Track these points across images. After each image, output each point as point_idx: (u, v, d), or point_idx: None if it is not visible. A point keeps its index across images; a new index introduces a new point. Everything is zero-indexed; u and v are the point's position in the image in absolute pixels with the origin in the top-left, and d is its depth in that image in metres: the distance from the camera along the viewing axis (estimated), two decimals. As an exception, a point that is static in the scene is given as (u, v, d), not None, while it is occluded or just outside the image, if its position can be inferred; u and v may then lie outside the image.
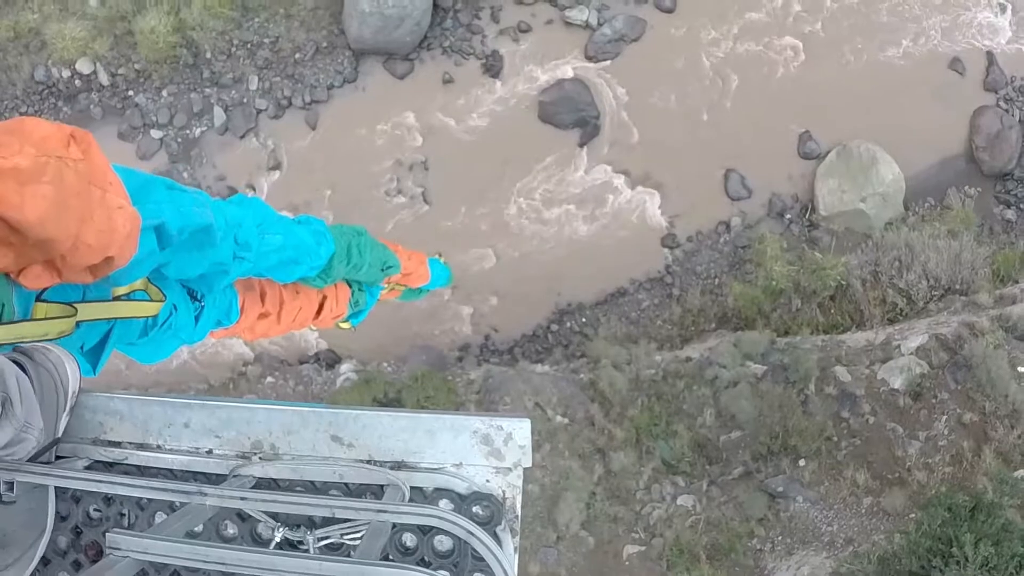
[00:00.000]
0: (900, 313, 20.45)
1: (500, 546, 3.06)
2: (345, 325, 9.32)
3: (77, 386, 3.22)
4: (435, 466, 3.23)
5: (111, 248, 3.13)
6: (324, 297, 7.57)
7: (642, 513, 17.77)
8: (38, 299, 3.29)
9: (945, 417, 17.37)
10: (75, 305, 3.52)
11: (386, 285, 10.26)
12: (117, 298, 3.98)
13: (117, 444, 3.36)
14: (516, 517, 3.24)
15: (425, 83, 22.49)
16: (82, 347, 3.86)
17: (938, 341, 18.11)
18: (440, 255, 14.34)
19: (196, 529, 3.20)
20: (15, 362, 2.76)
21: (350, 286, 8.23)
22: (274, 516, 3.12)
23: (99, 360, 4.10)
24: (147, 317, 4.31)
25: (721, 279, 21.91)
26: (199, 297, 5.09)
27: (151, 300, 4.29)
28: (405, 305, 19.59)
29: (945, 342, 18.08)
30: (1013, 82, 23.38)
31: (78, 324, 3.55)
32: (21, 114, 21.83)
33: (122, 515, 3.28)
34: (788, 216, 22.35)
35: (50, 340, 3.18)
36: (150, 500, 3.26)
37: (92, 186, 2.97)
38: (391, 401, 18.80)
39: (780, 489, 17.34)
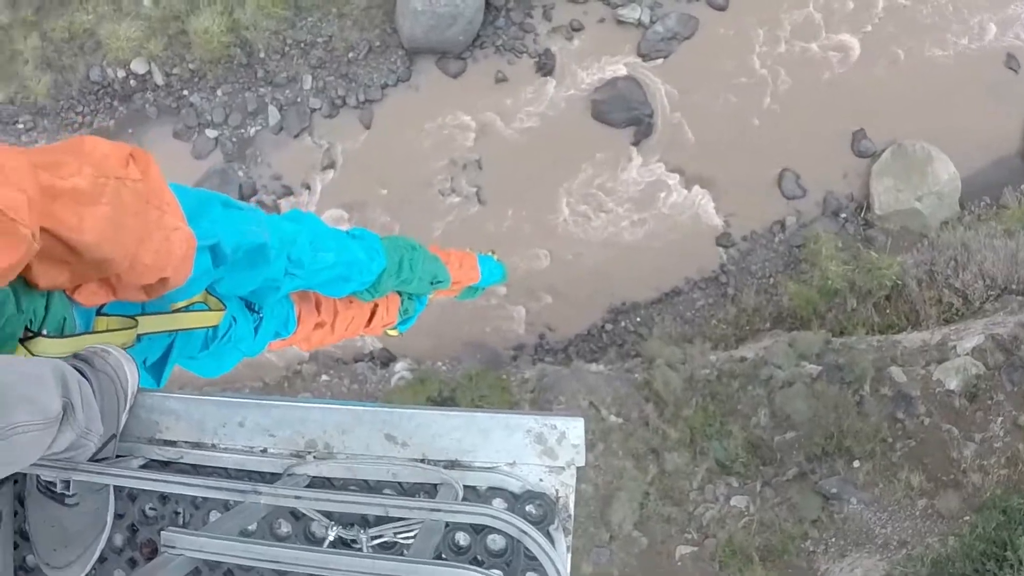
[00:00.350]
0: (956, 313, 20.26)
1: (553, 545, 3.10)
2: (393, 332, 9.41)
3: (136, 387, 3.25)
4: (488, 465, 3.27)
5: (167, 269, 3.18)
6: (376, 306, 7.63)
7: (695, 514, 17.74)
8: (99, 313, 3.33)
9: (1001, 419, 17.22)
10: (135, 318, 3.57)
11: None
12: (177, 310, 4.01)
13: (172, 443, 3.42)
14: (569, 516, 3.27)
15: (478, 82, 22.51)
16: (144, 361, 3.90)
17: (994, 342, 17.95)
18: (494, 252, 14.37)
19: (250, 528, 3.27)
20: (75, 368, 2.78)
21: (400, 295, 8.27)
22: (328, 515, 3.17)
23: (162, 374, 4.16)
24: (208, 328, 4.36)
25: (776, 278, 21.79)
26: (257, 309, 5.13)
27: (210, 310, 4.33)
28: (460, 305, 19.62)
29: (1001, 343, 17.92)
30: (1069, 78, 23.18)
31: (139, 337, 3.60)
32: (77, 113, 22.09)
33: (177, 513, 3.35)
34: (843, 215, 22.21)
35: None
36: (205, 499, 3.33)
37: (150, 206, 3.01)
38: (445, 400, 18.84)
39: (834, 490, 17.27)
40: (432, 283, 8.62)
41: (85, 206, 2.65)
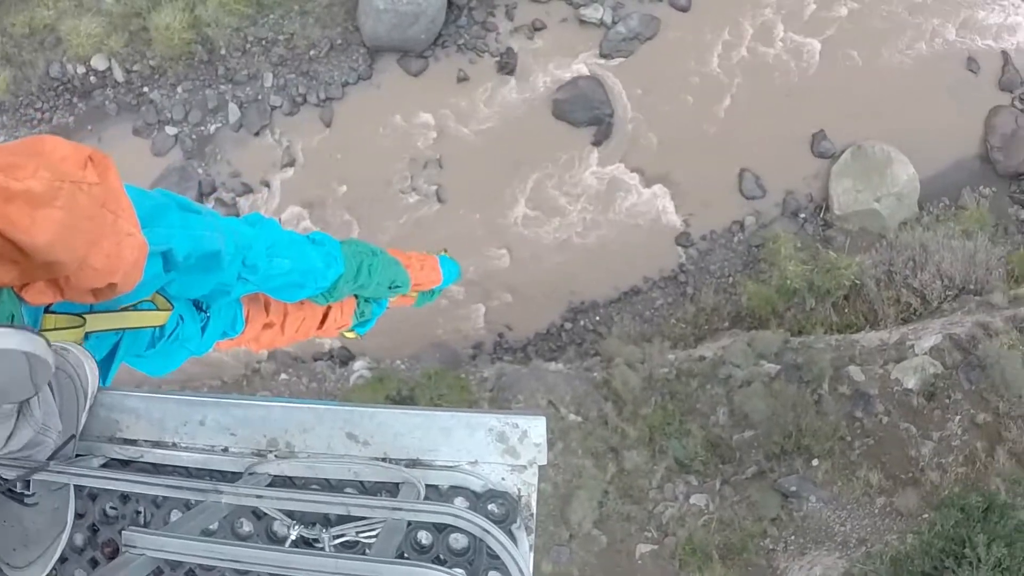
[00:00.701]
0: (914, 313, 20.40)
1: (516, 544, 3.09)
2: (351, 335, 9.35)
3: (96, 386, 3.23)
4: (450, 464, 3.26)
5: (116, 275, 3.15)
6: (328, 308, 7.58)
7: (655, 512, 17.78)
8: (47, 311, 3.32)
9: (959, 417, 17.34)
10: (83, 316, 3.56)
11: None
12: (124, 308, 4.00)
13: (133, 442, 3.39)
14: (531, 515, 3.27)
15: (440, 81, 22.51)
16: (92, 359, 3.88)
17: (952, 341, 18.07)
18: (446, 250, 14.31)
19: (211, 527, 3.25)
20: None
21: (356, 298, 8.23)
22: (289, 514, 3.15)
23: (109, 372, 4.13)
24: (155, 327, 4.34)
25: (735, 278, 21.88)
26: (204, 308, 5.11)
27: (158, 309, 4.32)
28: (419, 303, 19.66)
29: (959, 342, 18.04)
30: (1028, 82, 23.35)
31: (87, 335, 3.58)
32: (36, 110, 21.99)
33: (138, 513, 3.32)
34: (802, 215, 22.32)
35: None
36: (166, 498, 3.29)
37: (105, 210, 2.98)
38: (404, 399, 18.82)
39: (793, 489, 17.34)
40: (391, 288, 8.56)
41: (38, 208, 2.64)
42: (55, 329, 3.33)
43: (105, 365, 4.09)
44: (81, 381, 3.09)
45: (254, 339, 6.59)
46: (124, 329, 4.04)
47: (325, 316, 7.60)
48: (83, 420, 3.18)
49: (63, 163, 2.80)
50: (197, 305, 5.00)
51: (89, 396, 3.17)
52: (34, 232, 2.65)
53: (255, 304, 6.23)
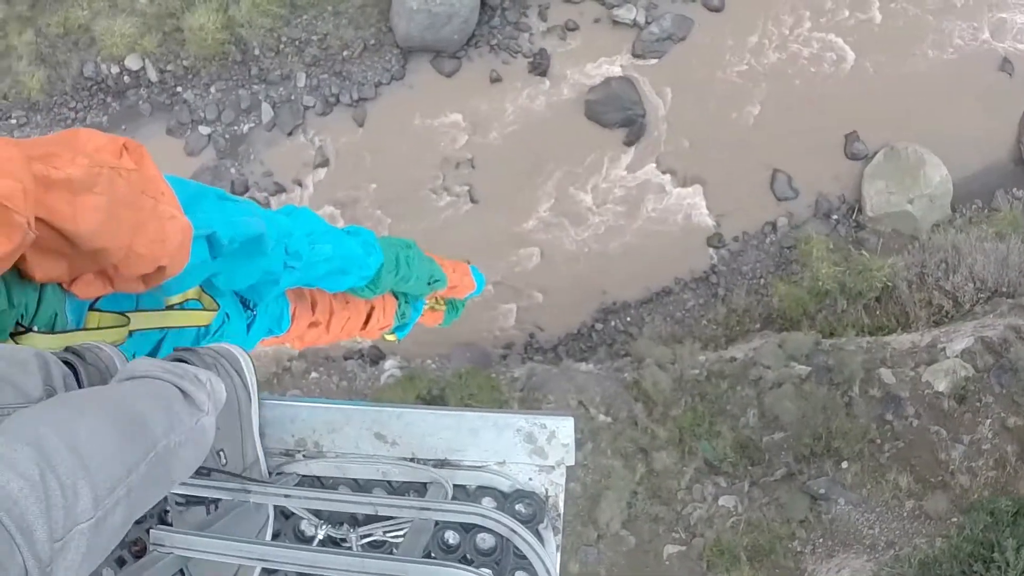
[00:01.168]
0: (946, 315, 20.29)
1: (543, 544, 3.09)
2: (391, 337, 9.43)
3: None
4: (478, 464, 3.26)
5: (163, 258, 3.19)
6: (372, 308, 7.61)
7: (683, 513, 17.76)
8: (91, 308, 3.33)
9: (989, 421, 17.26)
10: (128, 315, 3.56)
11: (429, 301, 10.31)
12: (170, 307, 4.01)
13: None
14: (559, 515, 3.27)
15: (472, 81, 22.52)
16: (134, 355, 3.90)
17: (984, 344, 17.99)
18: (469, 262, 14.29)
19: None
20: (66, 362, 2.79)
21: (396, 298, 8.27)
22: (317, 514, 3.18)
23: (149, 370, 4.13)
24: (200, 327, 4.35)
25: (766, 279, 21.82)
26: (252, 306, 5.13)
27: (204, 309, 4.34)
28: (450, 303, 19.66)
29: (991, 345, 17.96)
30: (1062, 84, 23.21)
31: (131, 334, 3.59)
32: (70, 109, 22.10)
33: (166, 512, 3.32)
34: (834, 217, 22.24)
35: None
36: (194, 497, 3.30)
37: (144, 196, 3.02)
38: (434, 398, 18.83)
39: (822, 491, 17.30)
40: (430, 283, 8.62)
41: (79, 195, 2.66)
42: (99, 328, 3.34)
43: (147, 362, 4.11)
44: (112, 377, 3.11)
45: (298, 337, 6.62)
46: (169, 328, 4.08)
47: (369, 316, 7.63)
48: None
49: (99, 152, 2.83)
50: (244, 303, 5.03)
51: None
52: (77, 219, 2.68)
53: (302, 302, 6.27)
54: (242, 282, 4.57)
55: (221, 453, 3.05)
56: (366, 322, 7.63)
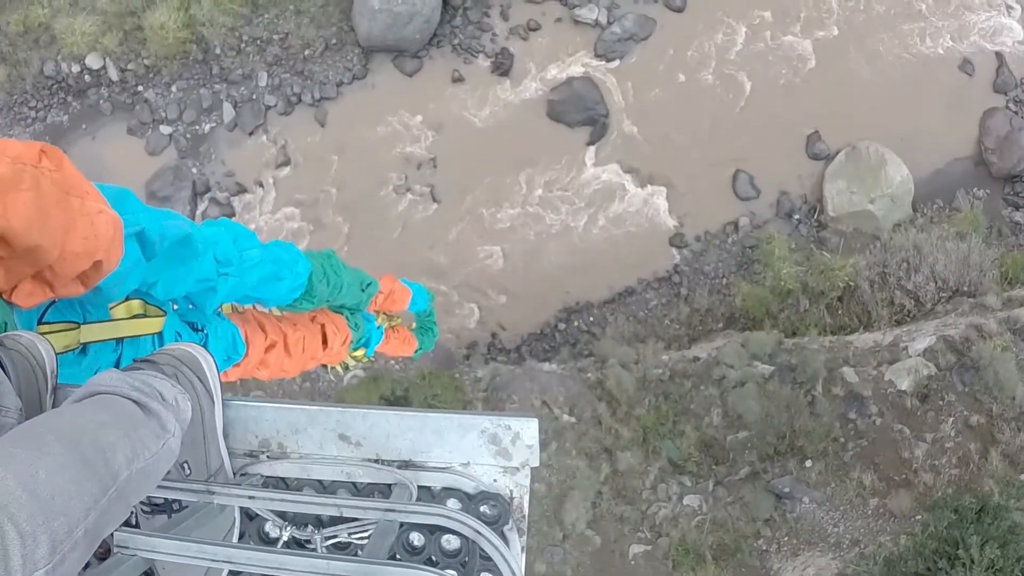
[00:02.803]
0: (908, 315, 20.40)
1: (507, 545, 3.10)
2: (359, 353, 9.39)
3: (55, 366, 3.21)
4: (442, 465, 3.25)
5: (99, 252, 3.17)
6: (322, 324, 7.59)
7: (648, 513, 17.79)
8: (40, 322, 3.34)
9: (952, 419, 17.36)
10: (77, 324, 3.56)
11: (379, 319, 10.30)
12: (118, 319, 4.03)
13: None
14: (523, 516, 3.26)
15: (434, 81, 22.52)
16: (96, 372, 3.89)
17: (946, 343, 18.09)
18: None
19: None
20: None
21: (340, 312, 8.25)
22: (282, 515, 3.14)
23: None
24: (153, 335, 4.34)
25: (729, 279, 21.90)
26: (200, 327, 5.13)
27: (148, 317, 4.34)
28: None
29: (953, 344, 18.06)
30: (1022, 84, 23.35)
31: (85, 348, 3.58)
32: (30, 108, 22.06)
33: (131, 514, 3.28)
34: (796, 216, 22.35)
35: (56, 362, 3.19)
36: (159, 499, 3.26)
37: (70, 196, 3.01)
38: (398, 399, 18.81)
39: (786, 490, 17.35)
40: (363, 288, 8.58)
41: (8, 193, 2.67)
42: (49, 334, 3.34)
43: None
44: (36, 360, 3.07)
45: (260, 363, 6.59)
46: (121, 338, 4.05)
47: (324, 334, 7.60)
48: (48, 401, 3.16)
49: (19, 157, 2.83)
50: (192, 326, 5.02)
51: (49, 375, 3.15)
52: (9, 215, 2.69)
53: (249, 325, 6.23)
54: (179, 290, 4.56)
55: (185, 465, 3.04)
56: (324, 341, 7.60)
